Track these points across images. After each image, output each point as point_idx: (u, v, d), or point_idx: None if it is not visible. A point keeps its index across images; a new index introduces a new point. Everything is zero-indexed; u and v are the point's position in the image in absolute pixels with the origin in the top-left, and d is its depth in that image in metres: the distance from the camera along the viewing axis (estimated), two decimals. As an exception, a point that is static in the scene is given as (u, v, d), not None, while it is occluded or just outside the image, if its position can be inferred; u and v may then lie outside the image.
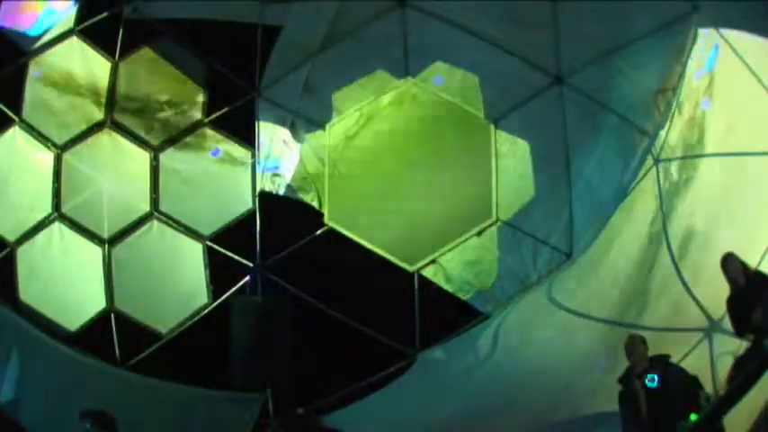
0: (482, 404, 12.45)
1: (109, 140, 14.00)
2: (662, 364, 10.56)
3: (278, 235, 13.74)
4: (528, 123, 13.42)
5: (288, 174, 14.17)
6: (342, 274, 13.56)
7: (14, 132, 13.78)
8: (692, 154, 12.69)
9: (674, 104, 12.65)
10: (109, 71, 13.90)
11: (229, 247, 13.77)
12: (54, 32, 13.63)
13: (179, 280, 14.04)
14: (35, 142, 13.85)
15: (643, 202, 12.86)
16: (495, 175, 13.52)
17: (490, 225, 13.57)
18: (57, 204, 13.85)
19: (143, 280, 14.01)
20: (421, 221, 13.70)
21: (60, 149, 13.86)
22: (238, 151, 14.15)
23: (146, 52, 13.99)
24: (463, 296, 13.67)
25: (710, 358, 11.82)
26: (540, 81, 13.16)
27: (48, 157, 13.87)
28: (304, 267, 13.54)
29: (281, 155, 14.12)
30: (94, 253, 13.85)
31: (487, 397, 12.54)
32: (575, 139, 13.12)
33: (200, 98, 14.09)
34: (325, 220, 13.87)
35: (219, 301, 13.69)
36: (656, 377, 10.29)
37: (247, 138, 14.00)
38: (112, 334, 13.60)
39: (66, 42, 13.73)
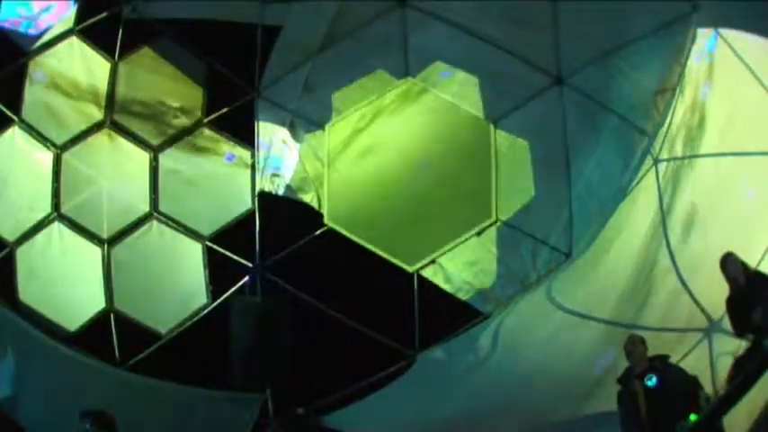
0: (482, 404, 12.46)
1: (108, 141, 13.99)
2: (661, 364, 10.56)
3: (277, 235, 13.74)
4: (528, 123, 13.41)
5: (287, 174, 14.17)
6: (341, 275, 13.56)
7: (14, 132, 13.76)
8: (691, 154, 12.68)
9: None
10: (108, 71, 13.89)
11: (229, 247, 13.76)
12: (54, 32, 13.62)
13: (178, 280, 14.03)
14: (34, 142, 13.82)
15: (642, 202, 12.86)
16: (495, 175, 13.51)
17: (490, 225, 13.57)
18: (56, 204, 13.82)
19: (142, 280, 14.00)
20: (420, 222, 13.70)
21: (60, 149, 13.85)
22: (238, 152, 14.15)
23: (145, 52, 13.99)
24: (463, 296, 13.66)
25: (710, 358, 11.83)
26: (540, 81, 13.16)
27: (47, 157, 13.85)
28: (303, 267, 13.54)
29: (281, 155, 14.12)
30: (94, 253, 13.84)
31: (487, 397, 12.54)
32: (574, 140, 13.12)
33: (200, 98, 14.09)
34: (325, 220, 13.87)
35: (219, 301, 13.68)
36: (655, 377, 10.29)
37: (247, 138, 13.99)
38: (112, 334, 13.59)
39: (66, 42, 13.70)
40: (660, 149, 12.83)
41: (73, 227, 13.85)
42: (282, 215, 14.00)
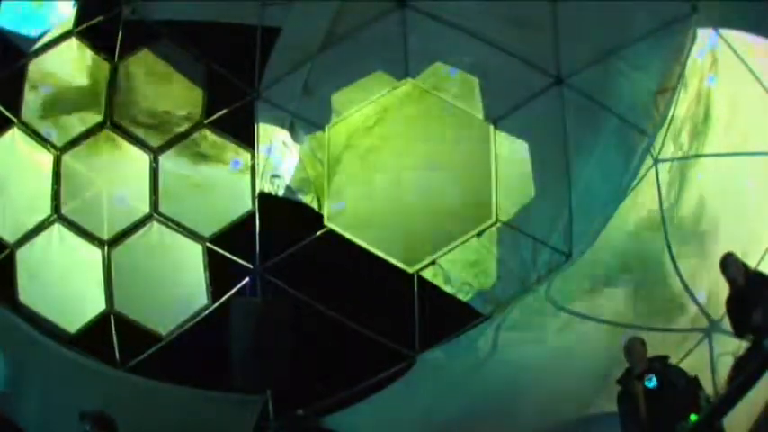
0: (482, 405, 12.44)
1: (108, 142, 13.99)
2: (661, 364, 10.56)
3: (277, 236, 13.73)
4: (528, 124, 13.39)
5: (287, 175, 14.16)
6: (341, 276, 13.56)
7: (14, 134, 13.78)
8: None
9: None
10: (108, 73, 13.91)
11: (229, 248, 13.75)
12: (53, 34, 13.64)
13: (178, 281, 14.02)
14: (34, 144, 13.84)
15: (642, 203, 12.85)
16: (495, 175, 13.50)
17: (490, 226, 13.55)
18: (56, 206, 13.82)
19: (143, 282, 13.99)
20: (420, 223, 13.69)
21: (60, 151, 13.85)
22: (240, 155, 14.15)
23: (145, 53, 14.00)
24: (463, 297, 13.64)
25: (710, 358, 11.81)
26: (540, 82, 13.14)
27: (47, 158, 13.86)
28: (303, 269, 13.53)
29: (281, 156, 14.11)
30: (94, 255, 13.84)
31: (488, 398, 12.53)
32: (574, 140, 13.09)
33: (200, 99, 14.09)
34: (325, 221, 13.86)
35: (219, 302, 13.67)
36: (655, 378, 10.29)
37: (247, 139, 13.99)
38: (112, 336, 13.58)
39: (66, 44, 13.74)
40: (660, 149, 12.82)
41: (73, 228, 13.84)
42: (282, 216, 13.98)
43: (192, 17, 13.61)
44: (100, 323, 13.68)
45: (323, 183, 13.97)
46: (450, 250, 13.60)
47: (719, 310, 11.68)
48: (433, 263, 13.64)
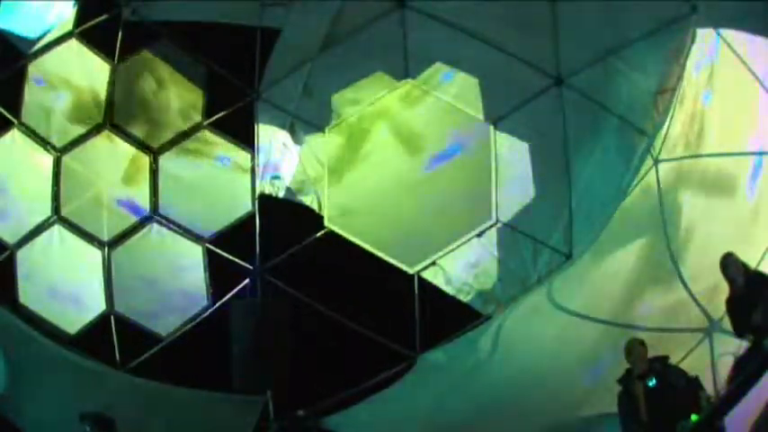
0: (482, 405, 12.43)
1: (108, 143, 14.01)
2: (661, 365, 10.53)
3: (277, 237, 13.74)
4: (528, 124, 13.41)
5: (287, 176, 14.16)
6: (341, 277, 13.56)
7: (14, 135, 13.78)
8: (691, 153, 12.65)
9: (675, 100, 12.61)
10: (108, 74, 13.92)
11: (229, 249, 13.76)
12: (53, 35, 13.63)
13: (179, 282, 14.02)
14: (34, 145, 13.86)
15: (642, 203, 12.84)
16: (495, 176, 13.51)
17: (490, 226, 13.56)
18: (56, 207, 13.84)
19: (143, 283, 14.00)
20: (421, 223, 13.69)
21: (60, 152, 13.87)
22: (236, 154, 14.15)
23: (145, 54, 14.00)
24: (463, 298, 13.66)
25: (711, 359, 11.79)
26: (540, 82, 13.16)
27: (47, 159, 13.87)
28: (304, 270, 13.54)
29: (281, 157, 14.11)
30: (94, 256, 13.84)
31: (488, 398, 12.52)
32: (574, 140, 13.11)
33: (200, 100, 14.09)
34: (325, 222, 13.87)
35: (219, 303, 13.68)
36: (655, 378, 10.27)
37: (247, 140, 13.99)
38: (112, 337, 13.59)
39: (66, 45, 13.74)
40: (660, 150, 12.81)
41: (73, 229, 13.85)
42: (282, 217, 13.99)
43: (191, 18, 13.60)
44: (100, 324, 13.69)
45: (323, 184, 13.98)
46: (450, 251, 13.61)
47: (719, 310, 11.65)
48: (433, 263, 13.65)
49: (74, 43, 13.74)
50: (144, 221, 13.98)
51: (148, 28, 13.75)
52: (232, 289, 13.62)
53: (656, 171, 12.73)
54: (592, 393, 12.02)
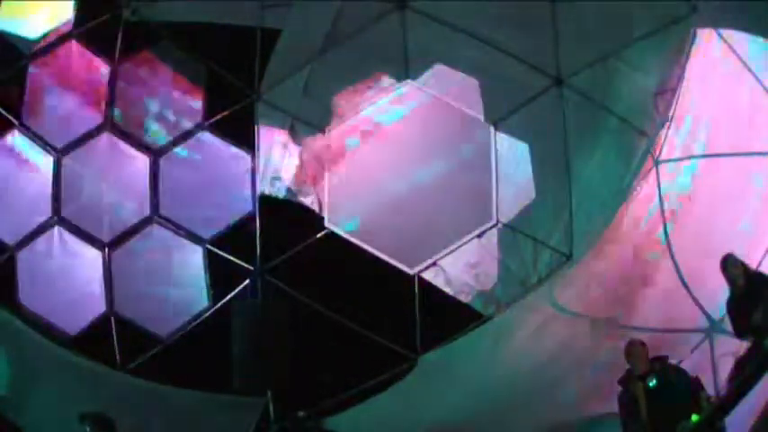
0: (483, 406, 12.43)
1: (108, 144, 13.99)
2: (661, 365, 10.53)
3: (278, 238, 13.73)
4: (528, 125, 13.41)
5: (288, 177, 14.15)
6: (342, 277, 13.56)
7: (14, 136, 13.78)
8: (691, 154, 12.67)
9: (675, 102, 12.63)
10: (108, 74, 13.91)
11: (229, 250, 13.75)
12: (53, 35, 13.63)
13: (179, 283, 14.02)
14: (35, 146, 13.85)
15: (643, 203, 12.84)
16: (496, 176, 13.51)
17: (491, 227, 13.56)
18: (56, 208, 13.82)
19: (143, 284, 13.99)
20: (421, 223, 13.69)
21: (60, 153, 13.86)
22: (239, 155, 14.15)
23: (145, 55, 14.00)
24: (464, 298, 13.65)
25: (711, 359, 11.79)
26: (540, 82, 13.14)
27: (47, 160, 13.86)
28: (304, 270, 13.53)
29: (281, 158, 14.10)
30: (94, 257, 13.84)
31: (489, 399, 12.52)
32: (575, 141, 13.10)
33: (200, 101, 14.08)
34: (325, 222, 13.86)
35: (220, 304, 13.67)
36: (655, 379, 10.26)
37: (247, 141, 13.98)
38: (113, 338, 13.58)
39: (66, 45, 13.74)
40: (661, 150, 12.81)
41: (73, 230, 13.84)
42: (283, 218, 13.98)
43: (192, 18, 13.59)
44: (100, 325, 13.67)
45: (323, 184, 13.97)
46: (450, 252, 13.60)
47: (720, 310, 11.66)
48: (433, 264, 13.64)
49: (74, 44, 13.76)
50: (144, 222, 13.96)
51: (149, 28, 13.74)
52: (232, 290, 13.61)
53: (657, 171, 12.75)
54: (592, 392, 12.03)
